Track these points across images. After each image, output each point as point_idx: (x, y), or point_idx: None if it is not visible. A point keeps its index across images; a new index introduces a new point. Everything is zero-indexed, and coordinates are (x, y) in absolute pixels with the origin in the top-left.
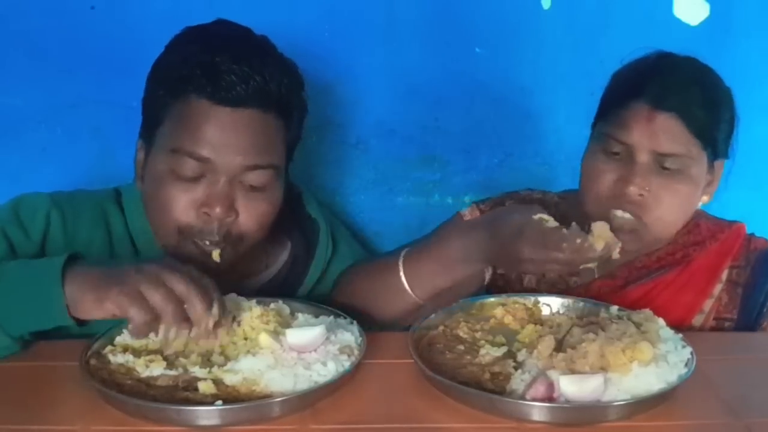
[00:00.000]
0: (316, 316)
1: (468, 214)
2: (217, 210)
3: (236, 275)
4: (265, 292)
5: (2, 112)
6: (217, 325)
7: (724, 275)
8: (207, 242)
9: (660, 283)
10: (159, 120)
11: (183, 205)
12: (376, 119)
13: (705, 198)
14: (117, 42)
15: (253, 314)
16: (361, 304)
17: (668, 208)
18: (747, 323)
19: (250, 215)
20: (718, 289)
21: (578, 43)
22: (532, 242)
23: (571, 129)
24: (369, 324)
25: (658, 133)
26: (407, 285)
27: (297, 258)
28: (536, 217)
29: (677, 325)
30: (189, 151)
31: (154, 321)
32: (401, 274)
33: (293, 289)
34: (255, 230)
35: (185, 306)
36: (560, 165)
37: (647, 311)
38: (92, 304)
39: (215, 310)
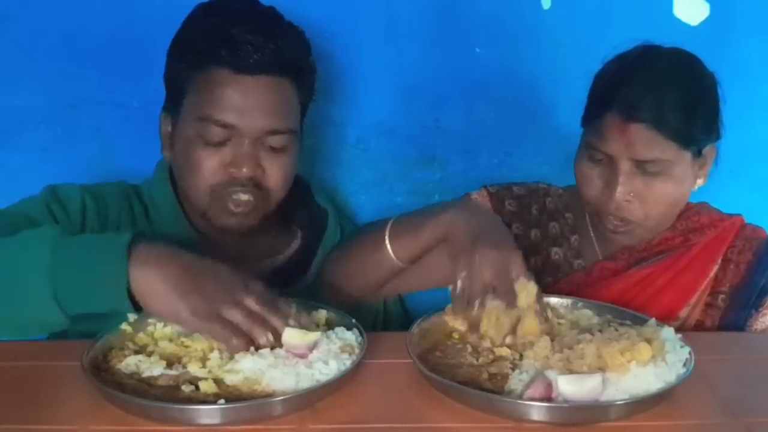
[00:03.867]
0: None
1: (477, 196)
2: (244, 170)
3: (249, 261)
4: (276, 278)
5: (2, 112)
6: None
7: (720, 257)
8: (239, 191)
9: (660, 267)
10: (183, 92)
11: (213, 167)
12: (376, 119)
13: (699, 181)
14: (117, 42)
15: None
16: (346, 269)
17: (655, 206)
18: (739, 302)
19: (275, 172)
20: (714, 269)
21: (578, 43)
22: (494, 257)
23: (571, 129)
24: (349, 294)
25: (633, 142)
26: (390, 247)
27: (308, 244)
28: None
29: (676, 306)
30: (215, 119)
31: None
32: (386, 237)
33: (302, 273)
34: (280, 186)
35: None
36: (560, 165)
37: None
38: (163, 309)
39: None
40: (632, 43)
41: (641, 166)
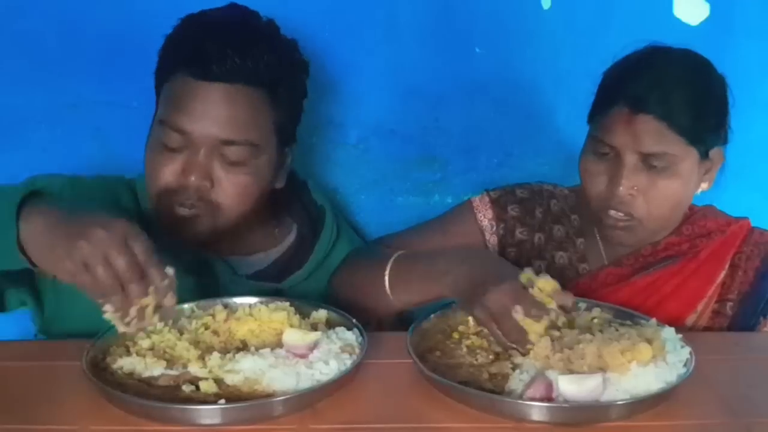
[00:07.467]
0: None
1: (478, 201)
2: (192, 178)
3: (241, 251)
4: (270, 271)
5: (2, 112)
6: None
7: (728, 262)
8: (181, 206)
9: (667, 273)
10: (158, 97)
11: (164, 173)
12: (376, 119)
13: (704, 185)
14: (117, 42)
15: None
16: (350, 293)
17: (659, 204)
18: (747, 309)
19: (227, 187)
20: (722, 275)
21: (578, 43)
22: (502, 294)
23: (571, 129)
24: (359, 314)
25: (639, 134)
26: (389, 290)
27: (303, 240)
28: (526, 270)
29: (683, 312)
30: (171, 124)
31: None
32: (386, 278)
33: (296, 268)
34: (233, 202)
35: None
36: (560, 165)
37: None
38: (45, 261)
39: (150, 298)
40: (636, 44)
41: (647, 160)
